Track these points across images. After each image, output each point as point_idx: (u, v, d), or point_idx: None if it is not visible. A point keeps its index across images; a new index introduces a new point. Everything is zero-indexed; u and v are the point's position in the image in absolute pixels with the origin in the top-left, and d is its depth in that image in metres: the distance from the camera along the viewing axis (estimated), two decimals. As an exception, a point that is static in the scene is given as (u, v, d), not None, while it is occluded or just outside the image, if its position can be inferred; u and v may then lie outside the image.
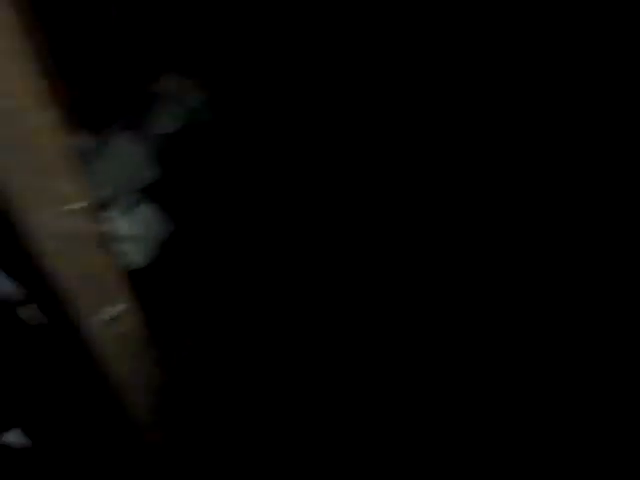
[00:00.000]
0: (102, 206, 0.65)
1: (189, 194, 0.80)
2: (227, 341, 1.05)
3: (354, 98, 1.04)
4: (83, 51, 0.66)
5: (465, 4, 1.06)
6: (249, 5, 0.82)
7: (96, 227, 0.49)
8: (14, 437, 1.18)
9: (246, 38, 0.79)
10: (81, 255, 0.50)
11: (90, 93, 0.59)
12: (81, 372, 0.74)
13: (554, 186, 1.19)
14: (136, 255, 0.68)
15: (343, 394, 1.06)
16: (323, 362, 1.07)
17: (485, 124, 1.15)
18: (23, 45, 0.35)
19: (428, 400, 1.07)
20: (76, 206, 0.46)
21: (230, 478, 0.98)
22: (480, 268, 1.18)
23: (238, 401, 1.04)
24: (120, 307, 0.58)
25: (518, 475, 1.05)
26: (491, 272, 1.18)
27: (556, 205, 1.19)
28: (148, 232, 0.68)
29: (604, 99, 1.10)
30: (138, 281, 0.63)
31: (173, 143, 0.74)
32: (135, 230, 0.67)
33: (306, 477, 1.02)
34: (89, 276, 0.52)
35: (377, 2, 0.96)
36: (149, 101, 0.76)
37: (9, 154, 0.39)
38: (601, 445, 1.09)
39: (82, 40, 0.66)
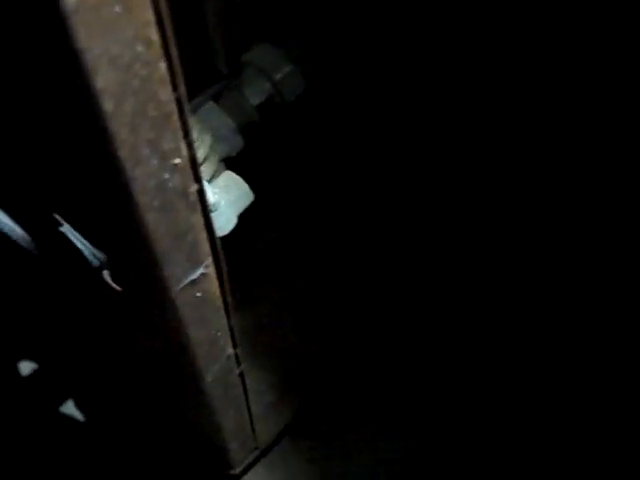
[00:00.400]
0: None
1: (273, 165, 0.81)
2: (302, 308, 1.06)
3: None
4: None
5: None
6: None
7: (193, 185, 0.49)
8: (72, 409, 1.21)
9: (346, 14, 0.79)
10: (175, 213, 0.50)
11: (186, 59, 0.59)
12: (155, 339, 0.75)
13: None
14: (218, 223, 0.68)
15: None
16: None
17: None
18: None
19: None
20: (178, 161, 0.46)
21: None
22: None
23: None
24: (202, 270, 0.59)
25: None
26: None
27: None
28: (231, 201, 0.69)
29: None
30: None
31: (260, 114, 0.75)
32: (218, 198, 0.67)
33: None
34: (179, 236, 0.53)
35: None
36: (239, 71, 0.77)
37: (126, 102, 0.39)
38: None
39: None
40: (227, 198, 0.68)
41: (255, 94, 0.75)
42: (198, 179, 0.50)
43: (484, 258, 1.24)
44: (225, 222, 0.68)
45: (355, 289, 1.17)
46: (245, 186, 0.69)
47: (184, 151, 0.46)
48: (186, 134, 0.45)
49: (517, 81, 1.13)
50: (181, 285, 0.57)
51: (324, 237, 1.17)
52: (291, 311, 1.16)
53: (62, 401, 1.22)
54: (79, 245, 0.71)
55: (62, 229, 0.72)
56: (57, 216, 0.72)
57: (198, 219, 0.53)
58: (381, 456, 1.13)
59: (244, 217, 0.72)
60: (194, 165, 0.48)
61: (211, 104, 0.73)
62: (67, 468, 1.16)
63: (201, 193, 0.51)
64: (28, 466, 1.17)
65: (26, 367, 1.26)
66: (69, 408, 1.22)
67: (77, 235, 0.71)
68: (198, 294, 0.60)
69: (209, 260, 0.58)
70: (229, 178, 0.70)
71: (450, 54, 1.09)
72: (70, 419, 1.22)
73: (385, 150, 1.12)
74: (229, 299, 0.66)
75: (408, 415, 1.16)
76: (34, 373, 1.25)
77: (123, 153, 0.41)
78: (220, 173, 0.72)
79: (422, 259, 1.24)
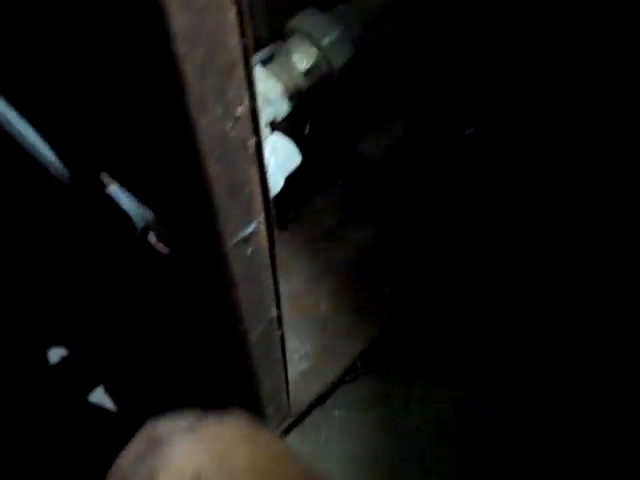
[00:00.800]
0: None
1: (320, 129, 0.81)
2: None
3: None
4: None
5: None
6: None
7: (252, 137, 0.50)
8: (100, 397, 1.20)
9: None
10: (234, 165, 0.51)
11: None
12: (201, 300, 0.76)
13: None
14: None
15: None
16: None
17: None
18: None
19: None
20: (240, 112, 0.47)
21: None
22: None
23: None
24: (254, 227, 0.59)
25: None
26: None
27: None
28: (279, 162, 0.69)
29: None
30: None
31: (306, 79, 0.75)
32: (267, 159, 0.67)
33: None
34: (236, 189, 0.53)
35: None
36: (282, 37, 0.77)
37: (198, 47, 0.40)
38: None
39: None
40: (275, 159, 0.69)
41: (302, 60, 0.75)
42: (257, 132, 0.50)
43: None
44: (273, 183, 0.69)
45: (393, 258, 1.18)
46: (293, 148, 0.70)
47: (246, 101, 0.47)
48: (250, 84, 0.46)
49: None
50: (234, 241, 0.58)
51: (365, 205, 1.17)
52: (325, 281, 1.16)
53: (93, 387, 1.21)
54: (125, 207, 0.72)
55: (109, 190, 0.73)
56: (104, 177, 0.73)
57: (254, 173, 0.53)
58: (416, 425, 1.14)
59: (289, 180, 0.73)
60: (254, 117, 0.49)
61: (258, 68, 0.74)
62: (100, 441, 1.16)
63: (259, 146, 0.52)
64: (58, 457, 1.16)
65: (55, 354, 1.23)
66: (99, 395, 1.20)
67: (124, 196, 0.72)
68: (249, 251, 0.61)
69: (261, 217, 0.59)
70: (277, 140, 0.70)
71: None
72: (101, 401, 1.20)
73: (428, 114, 1.12)
74: (276, 258, 0.67)
75: (444, 384, 1.16)
76: (63, 360, 1.23)
77: (191, 99, 0.42)
78: (267, 136, 0.73)
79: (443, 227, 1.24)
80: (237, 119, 0.47)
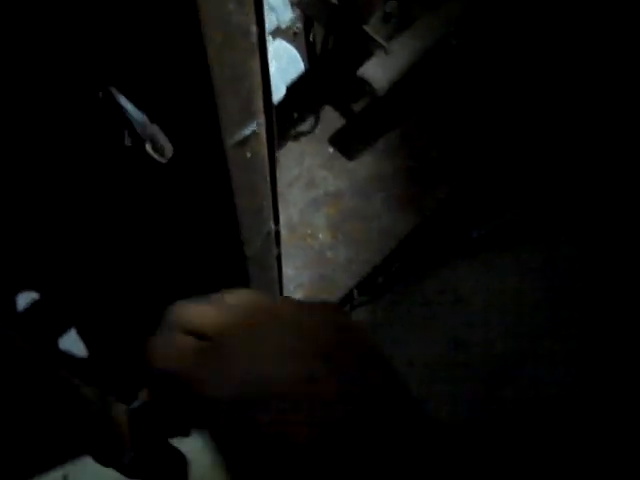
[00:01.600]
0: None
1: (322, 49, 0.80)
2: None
3: None
4: None
5: None
6: None
7: (256, 25, 0.48)
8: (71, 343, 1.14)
9: None
10: (235, 53, 0.49)
11: None
12: (196, 213, 0.75)
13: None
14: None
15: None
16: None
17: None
18: None
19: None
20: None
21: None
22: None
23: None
24: (254, 127, 0.58)
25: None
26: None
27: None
28: (281, 68, 0.68)
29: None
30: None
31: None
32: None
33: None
34: (236, 81, 0.52)
35: None
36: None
37: None
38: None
39: None
40: (277, 65, 0.67)
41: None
42: (261, 21, 0.49)
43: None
44: (275, 89, 0.67)
45: (391, 188, 1.17)
46: (295, 54, 0.68)
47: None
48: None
49: None
50: (234, 140, 0.57)
51: (364, 133, 1.15)
52: (322, 211, 1.16)
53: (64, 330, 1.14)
54: (128, 107, 0.70)
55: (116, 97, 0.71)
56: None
57: (256, 65, 0.52)
58: (411, 358, 1.14)
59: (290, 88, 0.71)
60: (260, 10, 0.47)
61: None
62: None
63: (262, 38, 0.50)
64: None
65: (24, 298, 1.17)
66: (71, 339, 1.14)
67: (124, 100, 0.70)
68: (248, 154, 0.60)
69: (262, 118, 0.58)
70: (280, 47, 0.69)
71: None
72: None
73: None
74: (276, 168, 0.66)
75: (440, 317, 1.17)
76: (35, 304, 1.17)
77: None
78: (270, 43, 0.71)
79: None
80: (241, 1, 0.45)
